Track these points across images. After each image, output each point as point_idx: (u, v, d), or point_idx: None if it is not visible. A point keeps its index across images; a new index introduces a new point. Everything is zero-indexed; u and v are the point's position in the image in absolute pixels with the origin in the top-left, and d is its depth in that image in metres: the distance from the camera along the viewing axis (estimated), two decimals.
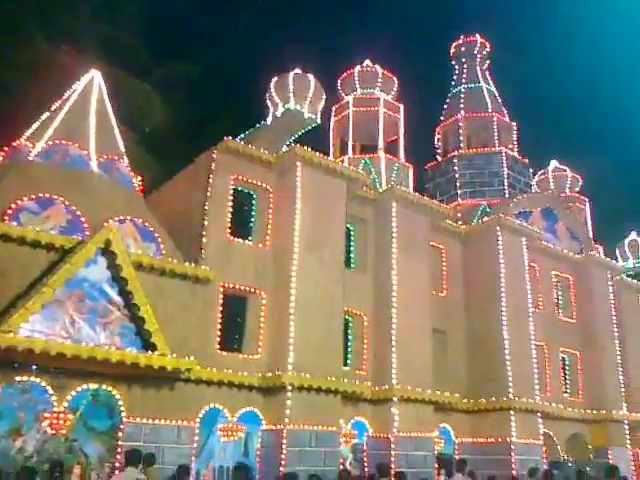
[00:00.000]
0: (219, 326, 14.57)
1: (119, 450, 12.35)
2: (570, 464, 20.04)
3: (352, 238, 18.17)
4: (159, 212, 15.10)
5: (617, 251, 26.79)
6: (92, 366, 11.75)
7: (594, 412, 21.51)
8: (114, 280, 12.20)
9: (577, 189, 28.74)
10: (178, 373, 12.70)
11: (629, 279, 25.70)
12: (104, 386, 12.62)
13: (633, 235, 26.80)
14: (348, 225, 17.59)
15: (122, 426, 12.63)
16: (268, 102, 17.16)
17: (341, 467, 14.96)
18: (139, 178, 15.03)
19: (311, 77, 16.79)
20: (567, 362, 22.53)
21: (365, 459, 16.47)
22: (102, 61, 16.40)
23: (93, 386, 12.52)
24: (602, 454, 20.96)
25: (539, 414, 18.90)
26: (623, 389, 22.46)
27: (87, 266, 11.94)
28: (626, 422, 22.04)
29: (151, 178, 17.47)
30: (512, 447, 17.72)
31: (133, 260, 12.64)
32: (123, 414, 12.69)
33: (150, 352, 12.10)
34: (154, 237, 13.86)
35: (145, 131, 21.92)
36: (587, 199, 28.57)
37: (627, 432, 21.96)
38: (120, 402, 12.71)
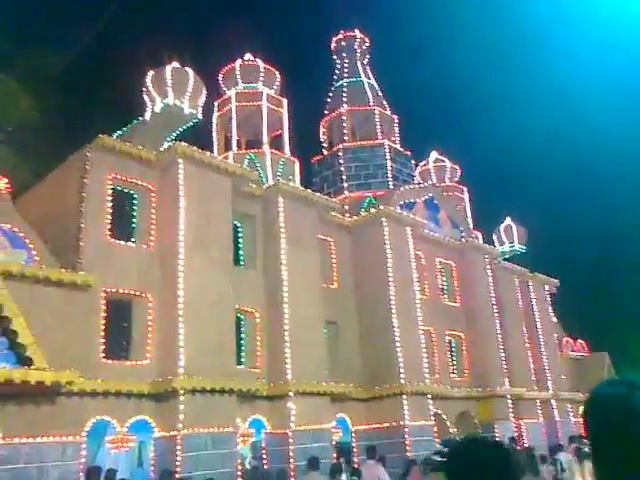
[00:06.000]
0: (103, 333, 13.84)
1: None
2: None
3: (240, 235, 17.92)
4: (30, 216, 14.07)
5: (494, 236, 28.36)
6: None
7: (480, 390, 22.69)
8: None
9: (456, 179, 30.16)
10: (58, 387, 11.91)
11: (505, 262, 27.33)
12: None
13: (508, 220, 28.47)
14: (235, 222, 17.33)
15: None
16: (145, 97, 16.50)
17: (240, 467, 14.76)
18: (5, 180, 13.87)
19: (190, 71, 16.31)
20: (453, 344, 23.60)
21: (264, 456, 16.35)
22: None
23: None
24: (489, 429, 22.14)
25: (429, 396, 19.65)
26: (505, 366, 23.87)
27: None
28: (509, 396, 23.44)
29: (19, 180, 16.25)
30: (406, 429, 18.30)
31: (1, 269, 11.70)
32: None
33: (26, 367, 11.26)
34: (24, 243, 12.90)
35: (9, 129, 20.29)
36: (466, 188, 30.06)
37: (510, 406, 23.37)
38: None
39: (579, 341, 33.59)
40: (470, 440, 2.19)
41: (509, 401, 23.40)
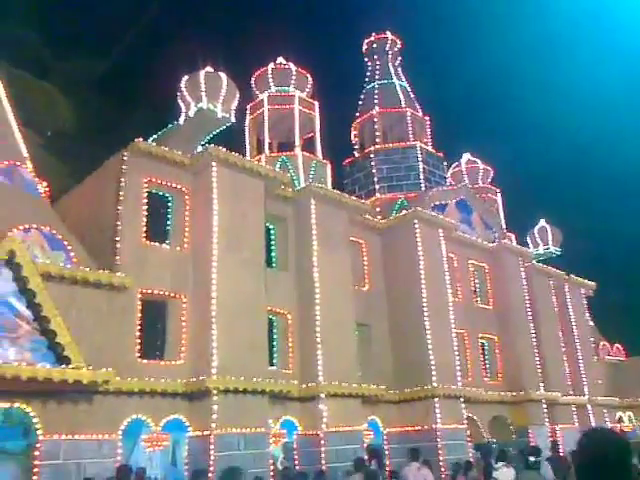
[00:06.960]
0: (138, 334, 14.11)
1: (36, 470, 11.75)
2: (494, 445, 20.76)
3: (272, 237, 18.07)
4: (68, 218, 14.44)
5: (528, 238, 27.98)
6: (2, 384, 11.08)
7: (513, 394, 22.39)
8: (21, 293, 11.53)
9: (489, 180, 29.86)
10: (95, 385, 12.18)
11: (540, 264, 26.93)
12: (17, 404, 11.94)
13: (542, 222, 28.06)
14: (268, 224, 17.47)
15: (38, 445, 11.99)
16: (180, 101, 16.77)
17: (272, 467, 14.86)
18: (44, 183, 14.26)
19: (223, 75, 16.52)
20: (486, 347, 23.35)
21: (296, 457, 16.42)
22: None
23: (4, 405, 11.82)
24: (523, 433, 21.85)
25: (462, 399, 19.47)
26: (539, 369, 23.51)
27: None
28: (543, 401, 23.08)
29: (58, 183, 16.66)
30: (438, 433, 18.17)
31: (41, 270, 12.01)
32: (39, 432, 12.04)
33: (64, 366, 11.55)
34: (63, 245, 13.23)
35: (48, 134, 20.83)
36: (499, 190, 29.73)
37: (545, 410, 23.00)
38: (35, 420, 12.06)
39: (616, 345, 32.89)
40: (597, 434, 2.45)
41: (544, 406, 23.03)
